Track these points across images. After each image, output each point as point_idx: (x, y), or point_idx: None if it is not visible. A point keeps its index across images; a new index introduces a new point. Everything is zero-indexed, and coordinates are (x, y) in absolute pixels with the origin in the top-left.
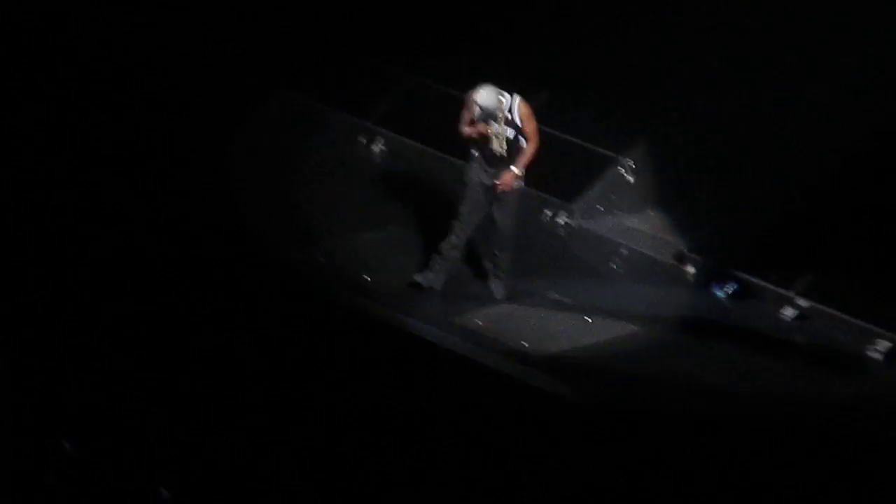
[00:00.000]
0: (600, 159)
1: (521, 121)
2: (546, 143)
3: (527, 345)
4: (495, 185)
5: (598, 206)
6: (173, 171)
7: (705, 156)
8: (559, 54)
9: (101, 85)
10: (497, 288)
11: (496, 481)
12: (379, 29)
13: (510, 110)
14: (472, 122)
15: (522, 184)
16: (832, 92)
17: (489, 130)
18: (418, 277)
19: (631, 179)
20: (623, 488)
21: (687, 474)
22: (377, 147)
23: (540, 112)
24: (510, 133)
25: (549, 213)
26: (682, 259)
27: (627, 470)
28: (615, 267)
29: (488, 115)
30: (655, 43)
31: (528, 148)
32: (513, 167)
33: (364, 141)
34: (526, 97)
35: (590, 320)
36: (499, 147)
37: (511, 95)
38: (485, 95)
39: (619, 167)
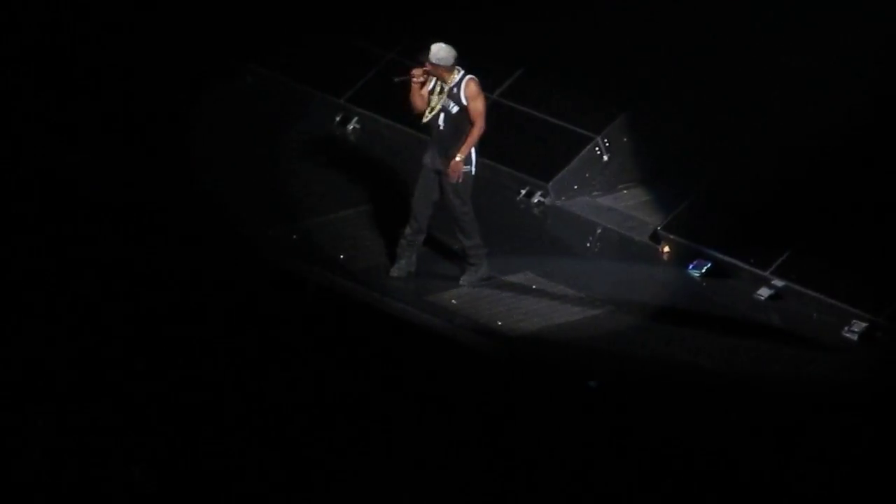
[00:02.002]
0: (575, 138)
1: (467, 99)
2: (521, 121)
3: (501, 323)
4: (444, 173)
5: (572, 185)
6: (143, 147)
7: (680, 135)
8: (534, 32)
9: (70, 58)
10: (465, 276)
11: (474, 457)
12: (354, 6)
13: (457, 85)
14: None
15: (470, 168)
16: (808, 73)
17: (428, 86)
18: (394, 272)
19: (605, 158)
20: (597, 463)
21: (660, 451)
22: (352, 125)
23: (515, 90)
24: (454, 108)
25: (523, 191)
26: (656, 238)
27: (601, 446)
28: (590, 246)
29: (436, 68)
30: (630, 22)
31: (472, 131)
32: (458, 156)
33: (338, 119)
34: (500, 75)
35: (563, 298)
36: (440, 122)
37: (463, 72)
38: (437, 47)
39: (593, 146)
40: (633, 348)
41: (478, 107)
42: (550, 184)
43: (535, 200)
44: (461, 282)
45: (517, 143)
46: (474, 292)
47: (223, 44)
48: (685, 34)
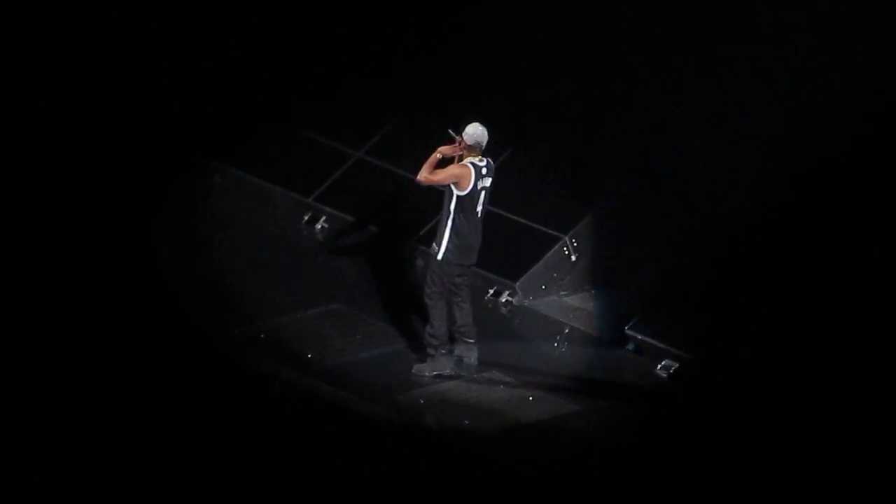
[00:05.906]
0: (543, 238)
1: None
2: (489, 221)
3: (468, 422)
4: None
5: (540, 285)
6: (111, 247)
7: (648, 235)
8: (501, 134)
9: (40, 159)
10: (418, 365)
11: None
12: (323, 106)
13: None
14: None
15: (437, 251)
16: (771, 175)
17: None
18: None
19: (573, 258)
20: None
21: None
22: (319, 224)
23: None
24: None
25: (491, 291)
26: (623, 338)
27: None
28: (557, 345)
29: (461, 142)
30: (597, 123)
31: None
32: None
33: (306, 218)
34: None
35: (531, 398)
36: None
37: (476, 160)
38: (473, 125)
39: (561, 246)
40: (599, 447)
41: (444, 171)
42: (518, 283)
43: (503, 300)
44: (413, 369)
45: (485, 242)
46: (442, 391)
47: (191, 143)
48: (649, 135)
